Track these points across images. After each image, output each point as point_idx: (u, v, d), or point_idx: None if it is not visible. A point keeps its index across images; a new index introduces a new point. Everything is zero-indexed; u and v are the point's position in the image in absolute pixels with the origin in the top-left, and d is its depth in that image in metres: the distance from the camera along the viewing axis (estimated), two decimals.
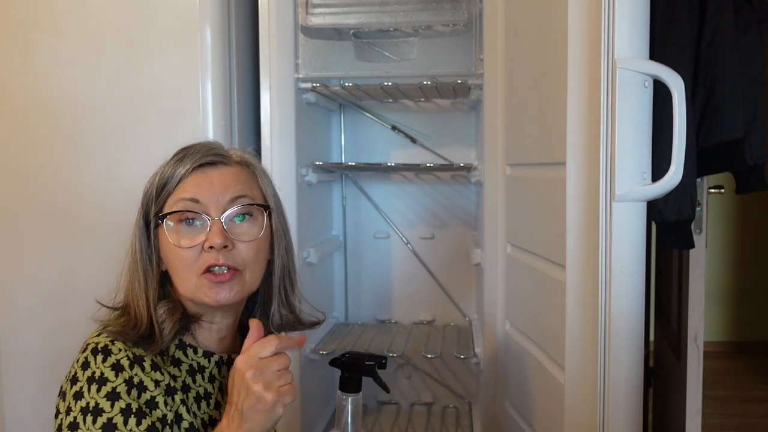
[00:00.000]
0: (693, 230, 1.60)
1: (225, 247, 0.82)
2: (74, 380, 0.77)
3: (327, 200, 1.97)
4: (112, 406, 0.74)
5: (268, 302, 0.95)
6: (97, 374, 0.76)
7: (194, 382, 0.87)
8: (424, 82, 1.58)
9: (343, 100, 1.91)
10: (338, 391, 0.88)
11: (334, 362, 0.91)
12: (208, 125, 1.41)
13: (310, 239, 1.70)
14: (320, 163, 1.71)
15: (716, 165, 1.46)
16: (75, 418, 0.74)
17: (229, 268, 0.83)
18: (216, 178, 0.85)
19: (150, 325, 0.83)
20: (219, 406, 0.89)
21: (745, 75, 1.35)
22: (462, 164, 1.71)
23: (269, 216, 0.89)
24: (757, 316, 3.87)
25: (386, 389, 0.92)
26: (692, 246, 1.53)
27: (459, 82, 1.58)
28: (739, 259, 3.87)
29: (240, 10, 1.52)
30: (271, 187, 0.92)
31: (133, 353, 0.79)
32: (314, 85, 1.61)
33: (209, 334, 0.90)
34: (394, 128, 1.95)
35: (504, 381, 1.51)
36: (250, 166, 0.91)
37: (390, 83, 1.59)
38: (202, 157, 0.86)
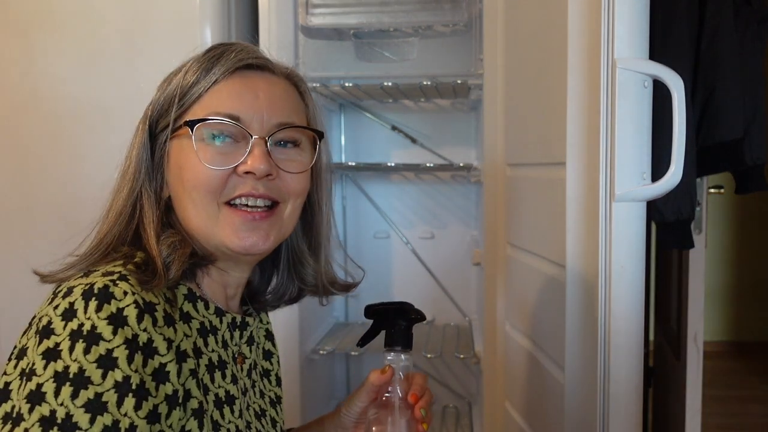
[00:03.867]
0: (693, 230, 1.61)
1: (268, 175, 0.65)
2: (47, 332, 0.54)
3: None
4: (103, 376, 0.52)
5: (302, 258, 0.78)
6: (87, 327, 0.53)
7: (206, 345, 0.66)
8: (424, 82, 1.58)
9: (343, 100, 1.91)
10: (390, 353, 0.76)
11: (378, 312, 0.79)
12: None
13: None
14: None
15: (716, 165, 1.46)
16: (41, 384, 0.51)
17: (267, 206, 0.67)
18: (262, 89, 0.67)
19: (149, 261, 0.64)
20: (236, 381, 0.70)
21: (745, 75, 1.35)
22: (462, 164, 1.71)
23: (318, 147, 0.72)
24: (757, 316, 3.87)
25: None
26: (692, 246, 1.53)
27: (459, 82, 1.58)
28: (739, 259, 3.87)
29: (240, 10, 1.52)
30: (320, 113, 0.76)
31: (143, 299, 0.57)
32: (314, 85, 1.61)
33: (218, 289, 0.71)
34: (394, 128, 1.95)
35: (504, 381, 1.51)
36: (299, 84, 0.74)
37: (390, 83, 1.60)
38: (246, 56, 0.68)
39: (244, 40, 1.54)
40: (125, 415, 0.52)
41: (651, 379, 2.27)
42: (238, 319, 0.73)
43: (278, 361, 0.86)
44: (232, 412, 0.67)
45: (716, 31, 1.32)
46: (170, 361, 0.58)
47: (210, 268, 0.70)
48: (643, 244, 0.93)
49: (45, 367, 0.52)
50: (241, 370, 0.73)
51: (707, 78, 1.34)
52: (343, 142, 1.99)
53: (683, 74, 0.90)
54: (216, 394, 0.66)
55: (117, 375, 0.52)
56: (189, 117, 0.66)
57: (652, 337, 2.39)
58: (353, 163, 1.90)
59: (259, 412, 0.76)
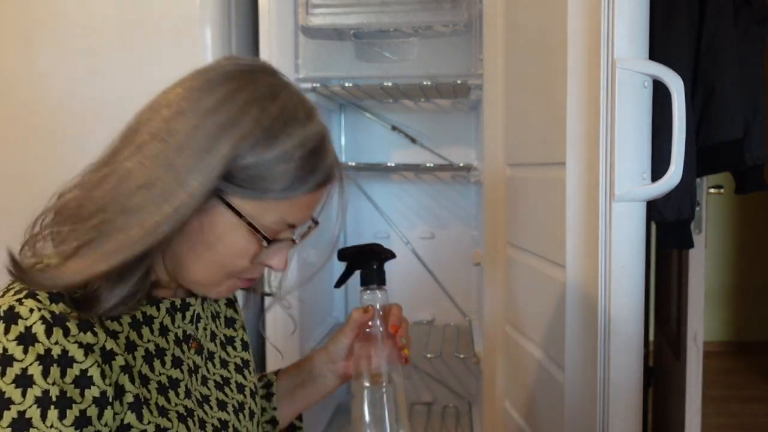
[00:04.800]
0: (693, 230, 1.61)
1: None
2: None
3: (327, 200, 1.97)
4: (23, 394, 0.55)
5: None
6: (0, 351, 0.56)
7: (140, 337, 0.67)
8: (424, 83, 1.58)
9: (343, 100, 1.91)
10: (367, 291, 0.83)
11: (351, 255, 0.85)
12: None
13: (310, 239, 1.70)
14: None
15: (716, 165, 1.46)
16: None
17: None
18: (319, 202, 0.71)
19: (100, 287, 0.61)
20: (180, 363, 0.71)
21: (745, 75, 1.35)
22: (462, 164, 1.71)
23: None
24: (757, 316, 3.87)
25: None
26: (692, 246, 1.53)
27: (459, 82, 1.58)
28: (739, 259, 3.87)
29: (240, 10, 1.52)
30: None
31: (51, 312, 0.57)
32: (314, 85, 1.60)
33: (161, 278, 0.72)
34: (394, 128, 1.95)
35: (504, 381, 1.51)
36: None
37: (390, 83, 1.59)
38: (336, 173, 0.70)
39: (244, 40, 1.55)
40: (51, 426, 0.55)
41: (651, 379, 2.27)
42: (178, 302, 0.73)
43: (243, 327, 0.87)
44: (177, 395, 0.69)
45: (716, 31, 1.32)
46: (91, 365, 0.58)
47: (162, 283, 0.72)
48: (643, 244, 0.93)
49: None
50: (190, 350, 0.73)
51: (707, 78, 1.34)
52: (343, 142, 1.99)
53: (683, 74, 0.90)
54: (158, 382, 0.67)
55: (36, 391, 0.55)
56: (257, 205, 0.62)
57: (652, 337, 2.39)
58: (353, 163, 1.90)
59: (221, 382, 0.78)
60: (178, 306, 0.73)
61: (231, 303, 0.88)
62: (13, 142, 1.45)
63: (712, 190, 1.86)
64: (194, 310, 0.76)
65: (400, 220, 1.99)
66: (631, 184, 0.90)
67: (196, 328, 0.76)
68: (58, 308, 0.58)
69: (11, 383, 0.55)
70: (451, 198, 1.98)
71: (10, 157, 1.45)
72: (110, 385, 0.60)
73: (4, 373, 0.55)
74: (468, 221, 1.97)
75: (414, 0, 1.58)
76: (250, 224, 0.63)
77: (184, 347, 0.73)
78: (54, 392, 0.55)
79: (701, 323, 1.77)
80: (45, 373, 0.55)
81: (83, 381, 0.58)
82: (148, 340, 0.68)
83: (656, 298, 2.34)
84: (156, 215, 0.59)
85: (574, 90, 1.00)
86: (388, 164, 1.86)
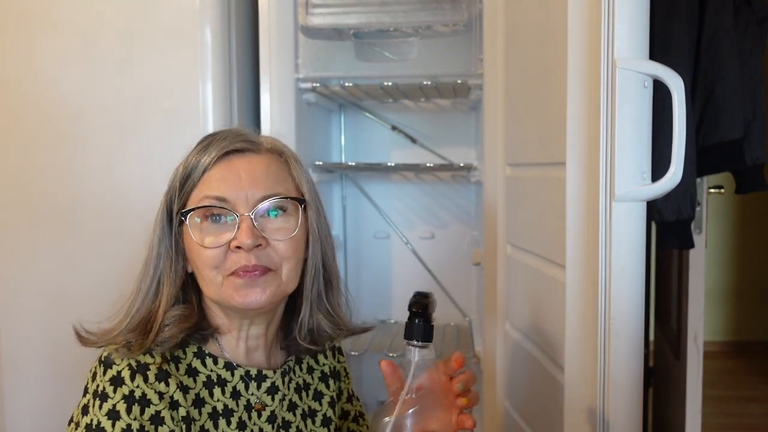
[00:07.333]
0: (693, 230, 1.61)
1: (257, 246, 0.75)
2: (85, 392, 0.74)
3: (327, 200, 1.97)
4: (113, 426, 0.70)
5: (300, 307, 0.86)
6: (100, 389, 0.72)
7: (211, 396, 0.79)
8: (424, 82, 1.58)
9: (343, 100, 1.91)
10: (412, 346, 0.77)
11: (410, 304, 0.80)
12: (208, 125, 1.41)
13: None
14: (320, 163, 1.71)
15: (716, 165, 1.46)
16: None
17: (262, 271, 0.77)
18: (244, 170, 0.77)
19: (154, 328, 0.77)
20: (244, 427, 0.81)
21: (745, 75, 1.35)
22: (462, 164, 1.71)
23: (305, 210, 0.81)
24: (757, 316, 3.87)
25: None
26: (692, 246, 1.54)
27: (459, 82, 1.58)
28: (739, 259, 3.87)
29: (240, 10, 1.52)
30: (306, 178, 0.84)
31: (138, 361, 0.73)
32: (314, 85, 1.60)
33: (236, 344, 0.83)
34: (394, 128, 1.95)
35: (504, 381, 1.51)
36: (282, 154, 0.83)
37: (390, 83, 1.59)
38: (229, 143, 0.78)
39: (244, 40, 1.55)
40: None
41: (651, 379, 2.27)
42: (253, 372, 0.83)
43: (330, 403, 0.92)
44: None
45: (716, 31, 1.32)
46: (164, 408, 0.73)
47: (225, 329, 0.82)
48: (643, 244, 0.93)
49: (81, 420, 0.71)
50: (259, 416, 0.82)
51: (707, 78, 1.34)
52: (343, 142, 1.99)
53: (683, 74, 0.90)
54: None
55: (121, 423, 0.70)
56: (189, 204, 0.78)
57: (652, 337, 2.39)
58: (353, 163, 1.90)
59: None
60: (253, 376, 0.83)
61: (325, 377, 0.94)
62: (14, 143, 1.45)
63: (712, 190, 1.86)
64: (272, 382, 0.85)
65: (400, 220, 1.99)
66: (631, 184, 0.90)
67: (272, 399, 0.84)
68: (144, 359, 0.74)
69: (105, 416, 0.70)
70: (451, 198, 1.98)
71: (11, 157, 1.45)
72: (177, 427, 0.74)
73: (101, 407, 0.71)
74: (468, 221, 1.97)
75: (414, 0, 1.58)
76: (182, 213, 0.77)
77: (253, 414, 0.82)
78: (135, 426, 0.70)
79: (701, 323, 1.77)
80: (128, 410, 0.70)
81: (157, 420, 0.72)
82: (218, 400, 0.80)
83: (656, 298, 2.34)
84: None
85: (574, 90, 0.99)
86: (388, 164, 1.85)
